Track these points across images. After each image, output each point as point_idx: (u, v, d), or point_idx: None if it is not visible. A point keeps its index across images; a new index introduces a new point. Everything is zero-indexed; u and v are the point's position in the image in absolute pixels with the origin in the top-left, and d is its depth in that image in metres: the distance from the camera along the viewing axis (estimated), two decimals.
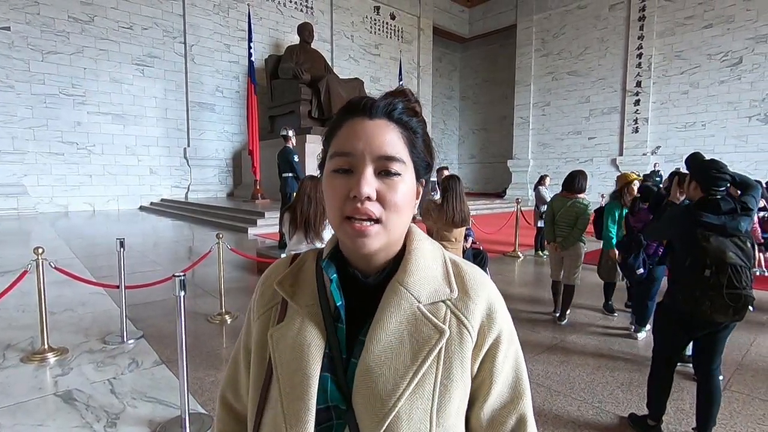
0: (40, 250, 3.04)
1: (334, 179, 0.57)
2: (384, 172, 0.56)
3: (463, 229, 3.56)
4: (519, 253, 6.97)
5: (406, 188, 0.57)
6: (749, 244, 1.89)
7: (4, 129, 11.13)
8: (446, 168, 5.28)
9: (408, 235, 0.64)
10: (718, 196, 1.97)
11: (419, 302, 0.58)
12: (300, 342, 0.59)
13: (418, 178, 0.61)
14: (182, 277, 2.14)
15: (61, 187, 12.15)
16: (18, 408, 2.40)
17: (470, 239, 4.87)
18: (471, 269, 0.64)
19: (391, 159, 0.56)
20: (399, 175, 0.56)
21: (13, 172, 11.29)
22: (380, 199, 0.55)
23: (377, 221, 0.55)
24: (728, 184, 2.00)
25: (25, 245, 7.33)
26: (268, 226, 9.01)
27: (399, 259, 0.61)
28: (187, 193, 14.15)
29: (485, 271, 4.86)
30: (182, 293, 2.16)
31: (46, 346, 3.03)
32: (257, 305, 0.68)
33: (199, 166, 14.47)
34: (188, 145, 14.20)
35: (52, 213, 11.73)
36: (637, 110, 16.96)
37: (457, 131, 25.90)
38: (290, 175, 5.64)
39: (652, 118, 16.69)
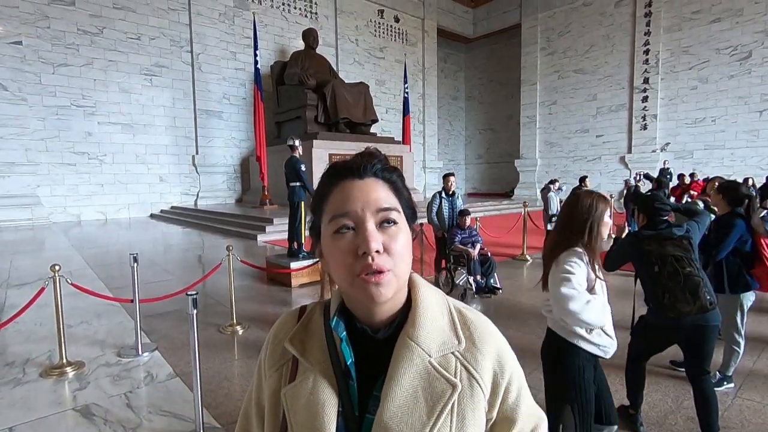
0: (57, 267, 3.11)
1: (339, 240, 0.59)
2: (384, 223, 0.59)
3: None
4: (527, 256, 6.97)
5: (405, 236, 0.61)
6: (686, 242, 2.26)
7: (18, 141, 11.37)
8: (452, 174, 5.28)
9: (411, 284, 0.66)
10: (662, 226, 2.34)
11: (430, 356, 0.60)
12: (314, 401, 0.61)
13: (409, 225, 0.64)
14: (195, 296, 2.19)
15: (74, 197, 12.37)
16: (39, 423, 2.47)
17: (478, 246, 4.90)
18: (476, 317, 0.66)
19: (388, 210, 0.60)
20: (397, 223, 0.60)
21: (27, 183, 11.53)
22: (386, 250, 0.58)
23: (389, 270, 0.58)
24: (668, 214, 2.38)
25: (40, 255, 7.49)
26: (277, 232, 9.09)
27: (405, 309, 0.64)
28: (196, 200, 14.32)
29: (494, 277, 4.88)
30: (194, 311, 2.21)
31: (64, 361, 3.11)
32: (268, 362, 0.70)
33: (207, 173, 14.64)
34: (197, 153, 14.38)
35: (65, 222, 11.95)
36: (645, 107, 16.81)
37: (463, 131, 25.86)
38: (298, 184, 5.71)
39: (661, 115, 16.53)
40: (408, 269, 0.62)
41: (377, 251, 0.57)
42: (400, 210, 0.62)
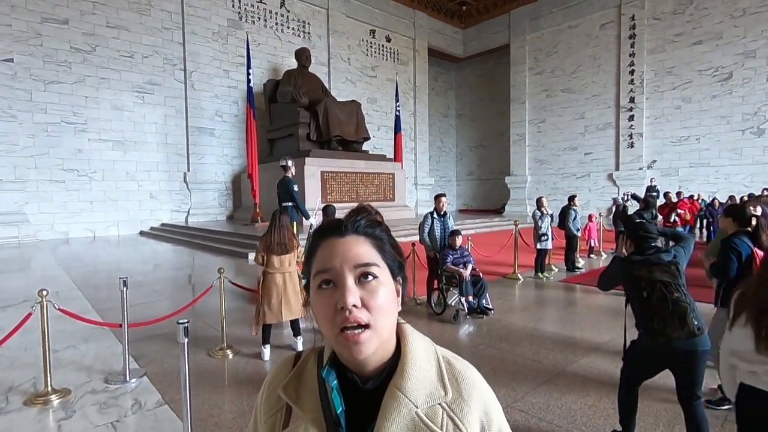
0: (45, 292, 3.06)
1: (321, 295, 0.63)
2: (363, 277, 0.62)
3: (287, 256, 3.83)
4: (519, 275, 7.00)
5: (386, 290, 0.64)
6: (674, 268, 2.32)
7: (6, 158, 11.26)
8: (444, 195, 5.33)
9: (401, 333, 0.68)
10: (650, 251, 2.40)
11: (417, 407, 0.62)
12: None
13: (394, 278, 0.68)
14: (186, 324, 2.17)
15: (62, 214, 12.22)
16: None
17: (470, 266, 4.92)
18: (463, 368, 0.68)
19: (366, 265, 0.63)
20: (376, 277, 0.63)
21: (14, 201, 11.38)
22: (365, 305, 0.61)
23: (366, 326, 0.60)
24: (655, 241, 2.45)
25: (26, 275, 7.36)
26: None
27: (394, 359, 0.66)
28: (187, 217, 14.22)
29: (485, 297, 4.89)
30: (185, 339, 2.19)
31: (49, 389, 3.04)
32: (263, 408, 0.72)
33: (198, 189, 14.58)
34: (188, 170, 14.33)
35: (52, 240, 11.77)
36: (632, 125, 17.20)
37: (454, 148, 26.15)
38: (290, 204, 5.73)
39: (647, 133, 16.92)
40: (391, 323, 0.65)
41: (354, 305, 0.60)
42: (381, 264, 0.65)
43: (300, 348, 3.87)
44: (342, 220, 0.67)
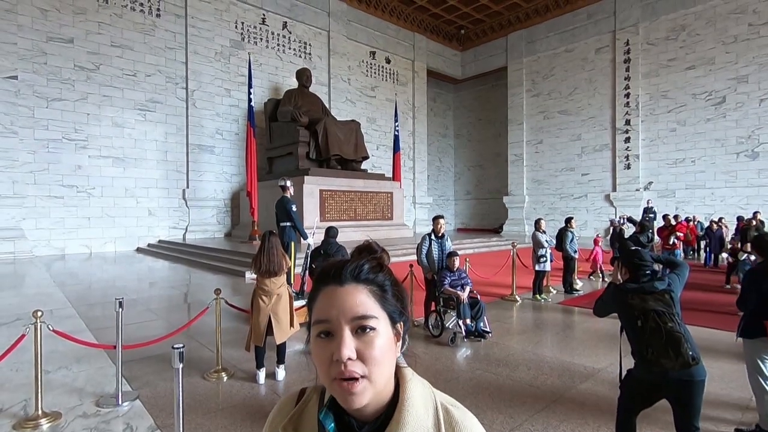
0: (39, 313, 3.04)
1: (318, 344, 0.63)
2: (360, 330, 0.62)
3: (278, 278, 3.81)
4: (517, 296, 6.97)
5: (382, 341, 0.63)
6: (667, 296, 2.33)
7: (5, 174, 11.29)
8: (442, 217, 5.35)
9: (400, 377, 0.68)
10: (645, 279, 2.42)
11: None
12: None
13: (394, 324, 0.67)
14: (181, 349, 2.16)
15: (59, 230, 12.19)
16: None
17: (468, 288, 4.91)
18: (462, 417, 0.67)
19: (364, 318, 0.63)
20: (374, 329, 0.63)
21: (11, 216, 11.36)
22: (360, 357, 0.61)
23: (362, 377, 0.61)
24: (650, 269, 2.45)
25: (19, 292, 7.29)
26: None
27: (392, 404, 0.65)
28: (185, 233, 14.20)
29: (483, 320, 4.86)
30: (180, 365, 2.17)
31: (39, 412, 2.98)
32: None
33: (197, 206, 14.60)
34: (187, 187, 14.38)
35: (48, 256, 11.71)
36: (628, 147, 17.40)
37: (452, 168, 26.34)
38: (288, 224, 5.74)
39: (643, 155, 17.10)
40: (387, 374, 0.64)
41: (350, 358, 0.60)
42: (380, 314, 0.65)
43: (281, 377, 3.81)
44: (343, 265, 0.67)
